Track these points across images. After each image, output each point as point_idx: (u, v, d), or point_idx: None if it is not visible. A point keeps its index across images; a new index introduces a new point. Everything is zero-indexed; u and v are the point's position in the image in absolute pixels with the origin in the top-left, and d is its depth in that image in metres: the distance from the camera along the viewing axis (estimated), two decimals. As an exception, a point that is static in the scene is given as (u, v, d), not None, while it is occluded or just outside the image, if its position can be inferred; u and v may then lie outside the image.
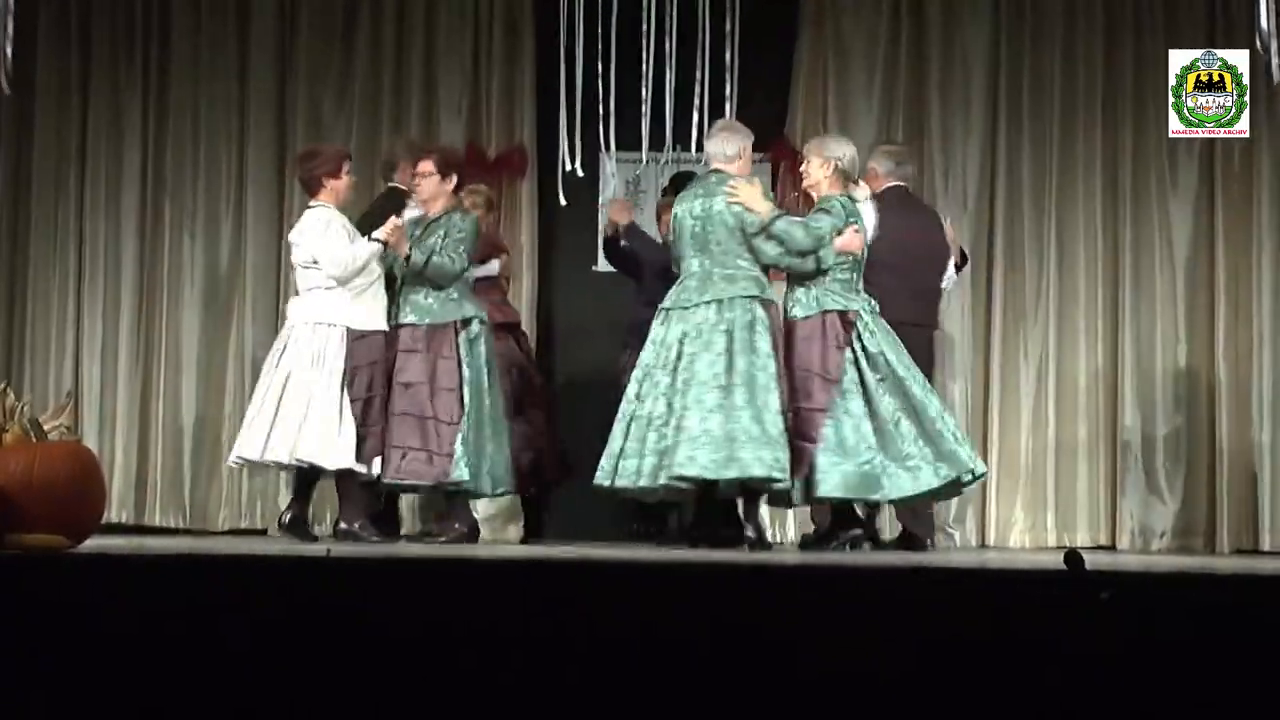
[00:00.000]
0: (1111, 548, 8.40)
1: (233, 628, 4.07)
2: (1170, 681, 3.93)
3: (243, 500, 8.70)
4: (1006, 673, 3.95)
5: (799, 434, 6.64)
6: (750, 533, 6.69)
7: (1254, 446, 8.37)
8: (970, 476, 6.73)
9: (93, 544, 5.35)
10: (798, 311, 6.79)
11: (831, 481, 6.59)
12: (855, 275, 6.82)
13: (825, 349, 6.70)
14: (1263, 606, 4.11)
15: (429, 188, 7.20)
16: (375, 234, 7.03)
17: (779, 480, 6.53)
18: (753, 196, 6.75)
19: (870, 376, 6.68)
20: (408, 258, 7.05)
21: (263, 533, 8.59)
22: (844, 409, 6.65)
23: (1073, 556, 4.34)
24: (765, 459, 6.49)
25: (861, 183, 7.08)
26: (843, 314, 6.73)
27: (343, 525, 7.06)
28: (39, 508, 5.10)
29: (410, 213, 7.31)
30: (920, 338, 7.11)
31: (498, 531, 8.25)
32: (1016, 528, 8.46)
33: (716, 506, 6.95)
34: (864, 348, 6.70)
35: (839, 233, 6.73)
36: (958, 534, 8.36)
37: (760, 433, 6.52)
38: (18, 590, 4.22)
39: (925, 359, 7.08)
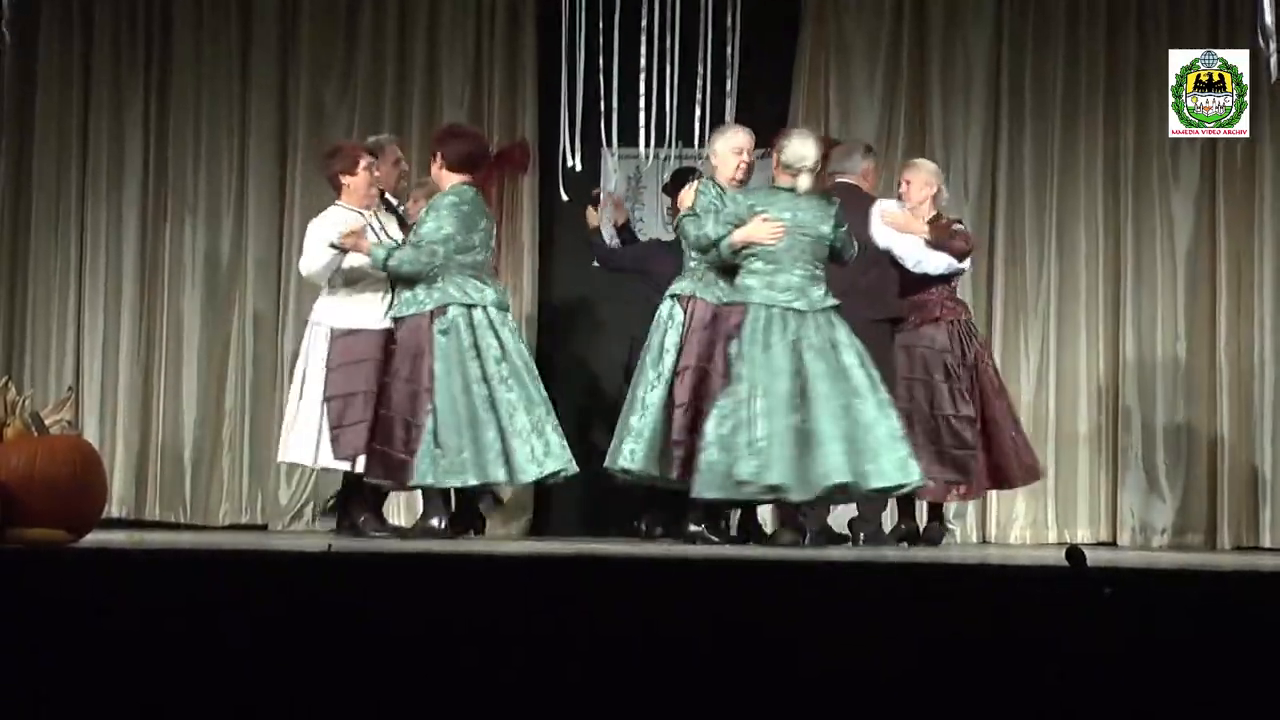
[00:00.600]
0: (1112, 544, 8.40)
1: (233, 623, 4.07)
2: (1171, 678, 3.93)
3: (243, 495, 8.70)
4: (1007, 669, 3.95)
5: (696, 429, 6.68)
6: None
7: (1255, 442, 8.37)
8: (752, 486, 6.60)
9: (93, 538, 5.35)
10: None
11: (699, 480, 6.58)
12: (777, 267, 6.67)
13: (715, 341, 6.73)
14: (1263, 603, 4.11)
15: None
16: (332, 239, 6.98)
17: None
18: (686, 195, 6.97)
19: (739, 371, 6.60)
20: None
21: (263, 528, 8.60)
22: (719, 402, 6.60)
23: (1074, 553, 4.34)
24: None
25: (803, 175, 6.89)
26: (732, 307, 6.70)
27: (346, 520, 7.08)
28: (40, 502, 5.11)
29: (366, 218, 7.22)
30: (876, 333, 7.08)
31: (503, 525, 8.25)
32: (1017, 524, 8.46)
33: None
34: (739, 343, 6.62)
35: (740, 224, 6.67)
36: (958, 530, 8.35)
37: None
38: (18, 585, 4.22)
39: (880, 355, 7.00)
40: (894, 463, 6.49)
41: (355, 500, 7.14)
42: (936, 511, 7.52)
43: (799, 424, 6.46)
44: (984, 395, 7.29)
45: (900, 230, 7.21)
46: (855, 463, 6.45)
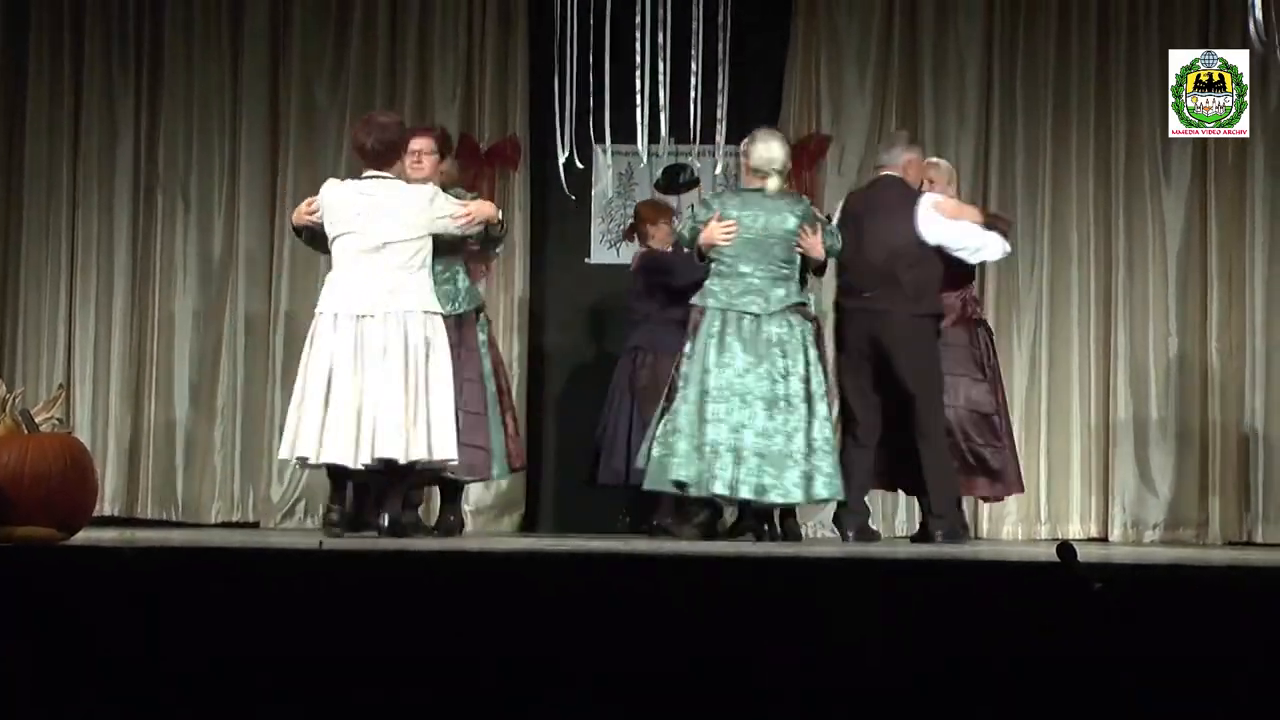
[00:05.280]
0: (1104, 539, 8.41)
1: (224, 621, 4.06)
2: (1162, 673, 3.93)
3: (235, 493, 8.69)
4: (998, 664, 3.95)
5: None
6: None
7: (1246, 438, 8.39)
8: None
9: (84, 537, 5.34)
10: None
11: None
12: (734, 269, 6.70)
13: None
14: (1254, 598, 4.11)
15: (428, 166, 7.08)
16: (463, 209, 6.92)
17: None
18: None
19: (684, 372, 6.67)
20: None
21: (255, 525, 8.59)
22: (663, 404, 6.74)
23: (1065, 548, 4.34)
24: None
25: (772, 177, 6.90)
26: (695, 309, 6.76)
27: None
28: (30, 500, 5.10)
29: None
30: (920, 329, 7.06)
31: (493, 523, 8.25)
32: (1009, 519, 8.47)
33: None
34: (691, 344, 6.69)
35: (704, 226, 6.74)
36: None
37: None
38: (8, 583, 4.21)
39: (924, 351, 7.02)
40: (795, 479, 6.53)
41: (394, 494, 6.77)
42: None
43: (727, 429, 6.54)
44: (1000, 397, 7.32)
45: (953, 217, 7.09)
46: (760, 476, 6.53)
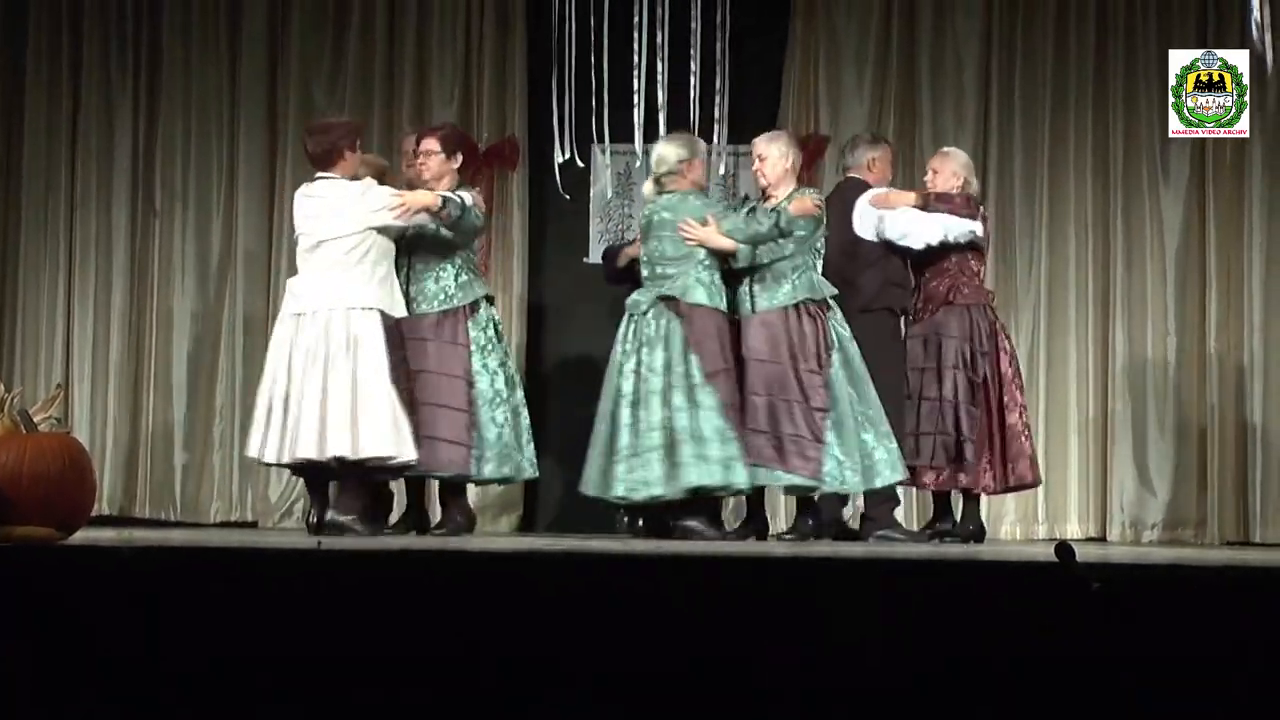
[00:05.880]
0: (1102, 539, 8.41)
1: (223, 621, 4.06)
2: (1160, 673, 3.93)
3: (234, 492, 8.69)
4: (996, 664, 3.95)
5: None
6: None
7: (1245, 438, 8.38)
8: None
9: (83, 536, 5.34)
10: None
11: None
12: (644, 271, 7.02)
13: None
14: (1253, 598, 4.11)
15: (435, 165, 7.10)
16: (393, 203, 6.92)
17: None
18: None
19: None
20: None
21: (253, 525, 8.59)
22: None
23: (1063, 548, 4.34)
24: None
25: (663, 178, 7.03)
26: None
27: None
28: (29, 500, 5.09)
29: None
30: (869, 325, 7.13)
31: (491, 523, 8.25)
32: (1007, 519, 8.47)
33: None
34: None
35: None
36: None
37: None
38: (7, 583, 4.21)
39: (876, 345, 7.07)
40: (658, 473, 6.74)
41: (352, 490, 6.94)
42: (946, 506, 7.44)
43: (629, 430, 6.80)
44: (1003, 389, 7.21)
45: (884, 207, 7.15)
46: (633, 473, 6.78)
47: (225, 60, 8.84)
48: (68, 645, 4.04)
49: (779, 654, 3.98)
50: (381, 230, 6.72)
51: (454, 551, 5.43)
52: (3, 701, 3.99)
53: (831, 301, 6.92)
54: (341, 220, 6.67)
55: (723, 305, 6.87)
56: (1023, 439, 7.26)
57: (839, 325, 6.89)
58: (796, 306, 6.85)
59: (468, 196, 6.93)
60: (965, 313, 7.19)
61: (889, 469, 6.87)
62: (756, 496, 7.10)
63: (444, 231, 6.89)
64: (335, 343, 6.58)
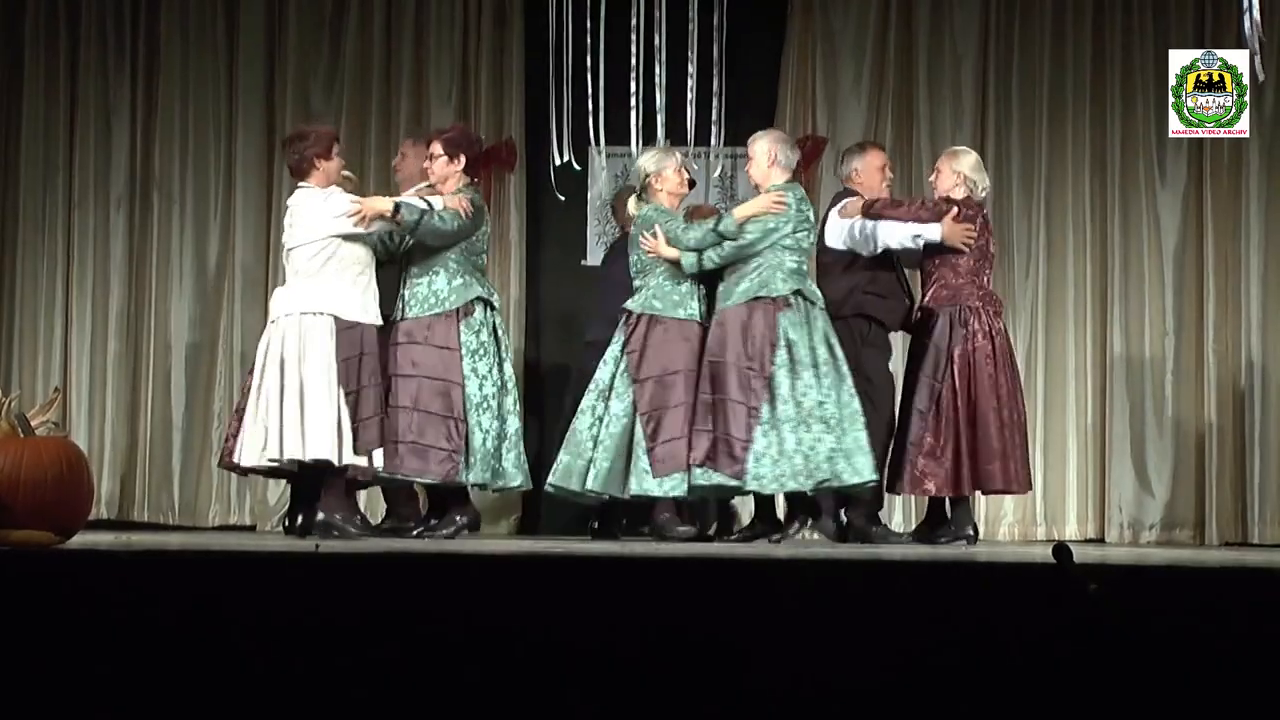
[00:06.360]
0: (1100, 541, 8.40)
1: (221, 624, 4.06)
2: (1158, 674, 3.93)
3: (232, 496, 8.68)
4: (994, 666, 3.95)
5: None
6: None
7: (1243, 438, 8.38)
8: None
9: (80, 540, 5.34)
10: None
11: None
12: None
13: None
14: (1251, 599, 4.11)
15: (438, 168, 7.10)
16: (350, 210, 6.94)
17: None
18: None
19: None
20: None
21: (252, 528, 8.58)
22: None
23: (1061, 550, 4.34)
24: None
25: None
26: None
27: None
28: (26, 504, 5.10)
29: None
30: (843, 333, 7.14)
31: (490, 525, 8.24)
32: (1005, 521, 8.46)
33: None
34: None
35: None
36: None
37: None
38: (5, 587, 4.21)
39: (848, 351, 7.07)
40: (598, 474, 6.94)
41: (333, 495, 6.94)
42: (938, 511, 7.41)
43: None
44: (976, 389, 7.10)
45: (846, 218, 7.19)
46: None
47: (223, 60, 8.82)
48: (66, 649, 4.04)
49: (778, 655, 3.98)
50: (349, 238, 6.79)
51: (452, 554, 5.43)
52: (2, 704, 3.99)
53: (794, 299, 6.90)
54: (305, 228, 6.82)
55: (683, 313, 6.98)
56: (1006, 441, 7.11)
57: (792, 325, 6.86)
58: (749, 304, 6.87)
59: (437, 201, 6.94)
60: (937, 316, 7.15)
61: (851, 473, 6.78)
62: (764, 497, 7.07)
63: (409, 238, 6.96)
64: (289, 348, 6.73)
